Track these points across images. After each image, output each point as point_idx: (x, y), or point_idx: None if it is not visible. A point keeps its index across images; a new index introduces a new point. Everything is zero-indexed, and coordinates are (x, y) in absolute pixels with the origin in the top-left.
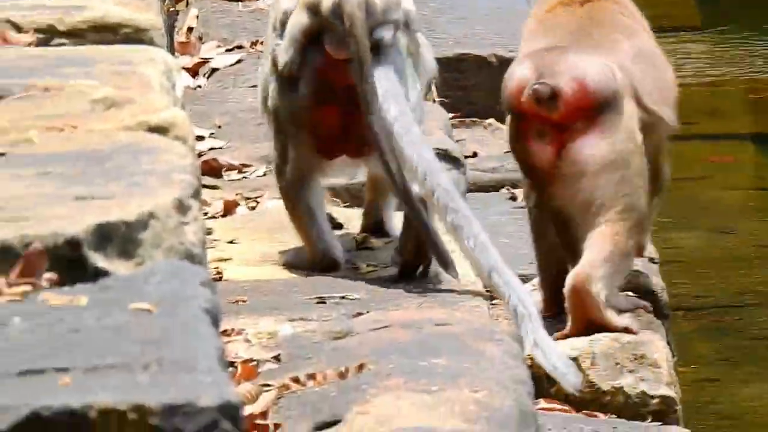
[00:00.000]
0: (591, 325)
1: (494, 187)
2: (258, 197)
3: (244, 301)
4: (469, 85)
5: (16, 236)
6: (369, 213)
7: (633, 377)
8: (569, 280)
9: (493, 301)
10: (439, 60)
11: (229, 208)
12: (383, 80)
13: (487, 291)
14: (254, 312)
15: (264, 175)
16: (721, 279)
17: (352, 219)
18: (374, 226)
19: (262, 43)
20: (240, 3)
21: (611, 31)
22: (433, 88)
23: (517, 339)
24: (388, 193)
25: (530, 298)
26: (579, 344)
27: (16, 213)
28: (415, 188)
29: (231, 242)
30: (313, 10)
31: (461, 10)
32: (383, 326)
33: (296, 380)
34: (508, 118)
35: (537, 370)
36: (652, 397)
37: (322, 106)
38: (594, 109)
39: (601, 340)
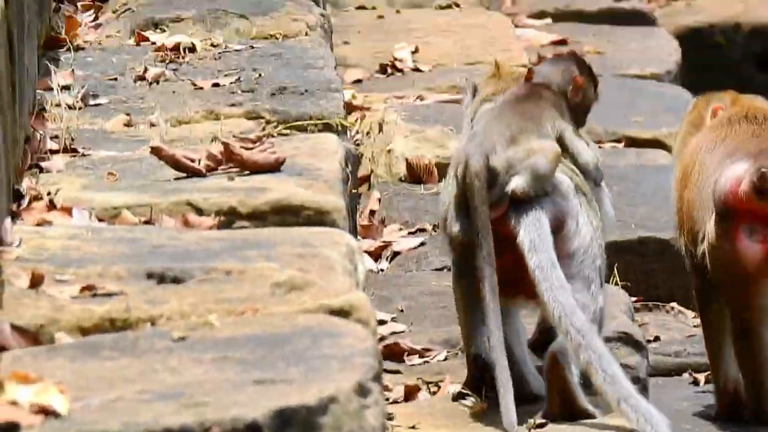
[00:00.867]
0: None
1: (676, 371)
2: (440, 382)
3: None
4: (651, 269)
5: (195, 421)
6: (542, 331)
7: None
8: None
9: None
10: (620, 244)
11: (410, 393)
12: (527, 230)
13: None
14: None
15: (445, 359)
16: None
17: None
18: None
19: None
20: (422, 186)
21: None
22: (615, 271)
23: None
24: None
25: (662, 421)
26: None
27: (195, 398)
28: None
29: (412, 428)
30: (457, 179)
31: (643, 193)
32: None
33: None
34: (712, 222)
35: None
36: None
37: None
38: None
39: None
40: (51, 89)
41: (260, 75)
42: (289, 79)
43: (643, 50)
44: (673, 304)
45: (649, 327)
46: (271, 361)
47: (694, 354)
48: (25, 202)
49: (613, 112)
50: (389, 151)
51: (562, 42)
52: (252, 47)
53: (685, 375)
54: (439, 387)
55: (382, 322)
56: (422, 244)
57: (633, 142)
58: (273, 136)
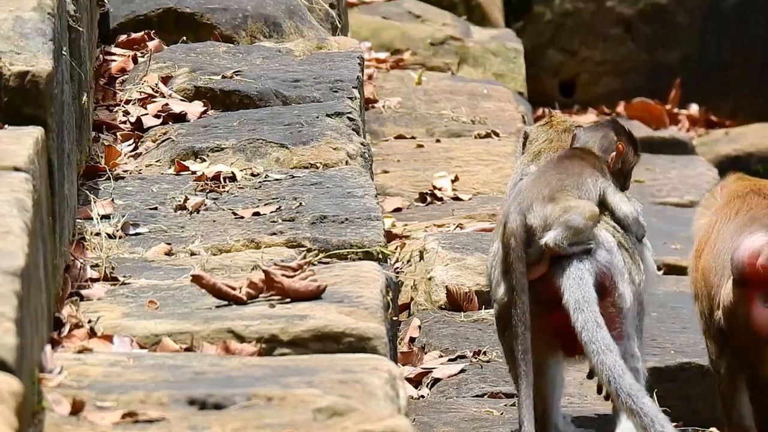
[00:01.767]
0: None
1: None
2: None
3: None
4: (691, 395)
5: None
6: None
7: None
8: None
9: None
10: (660, 370)
11: None
12: (570, 289)
13: None
14: None
15: None
16: None
17: None
18: None
19: (485, 353)
20: (462, 313)
21: None
22: (655, 396)
23: None
24: None
25: None
26: None
27: None
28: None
29: None
30: (501, 241)
31: (682, 319)
32: None
33: None
34: (728, 288)
35: None
36: None
37: (539, 317)
38: None
39: None
40: (91, 218)
41: (300, 204)
42: (330, 208)
43: (681, 178)
44: (713, 429)
45: None
46: None
47: None
48: (65, 330)
49: (653, 240)
50: (429, 278)
51: None
52: (292, 176)
53: None
54: None
55: None
56: (462, 370)
57: (672, 269)
58: (314, 264)
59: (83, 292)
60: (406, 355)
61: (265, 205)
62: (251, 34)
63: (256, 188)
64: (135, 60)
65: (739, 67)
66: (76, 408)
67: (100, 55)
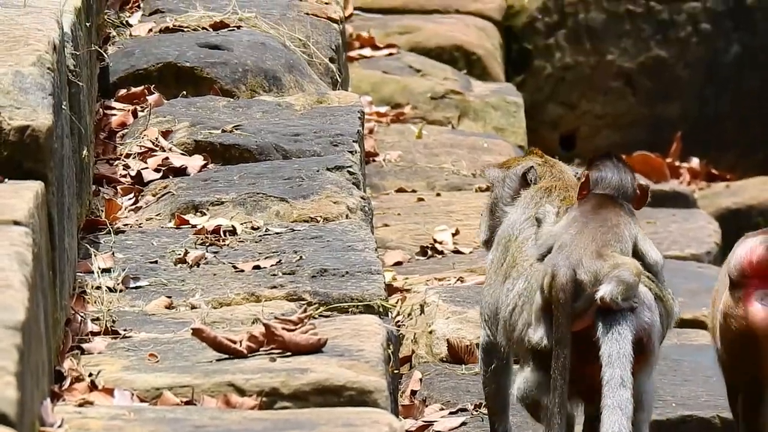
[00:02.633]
0: None
1: None
2: None
3: None
4: None
5: None
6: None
7: None
8: None
9: None
10: (661, 423)
11: None
12: (608, 343)
13: None
14: None
15: None
16: None
17: None
18: None
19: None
20: (463, 366)
21: None
22: None
23: None
24: None
25: None
26: None
27: None
28: None
29: None
30: (542, 290)
31: (683, 372)
32: None
33: None
34: (726, 298)
35: None
36: None
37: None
38: None
39: None
40: (91, 272)
41: (301, 257)
42: (330, 262)
43: (683, 231)
44: None
45: None
46: None
47: None
48: (66, 383)
49: None
50: (430, 332)
51: None
52: (292, 230)
53: None
54: None
55: None
56: (464, 423)
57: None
58: (314, 318)
59: (84, 345)
60: (407, 408)
61: (266, 258)
62: (251, 89)
63: (256, 242)
64: (135, 114)
65: (739, 121)
66: None
67: (100, 110)
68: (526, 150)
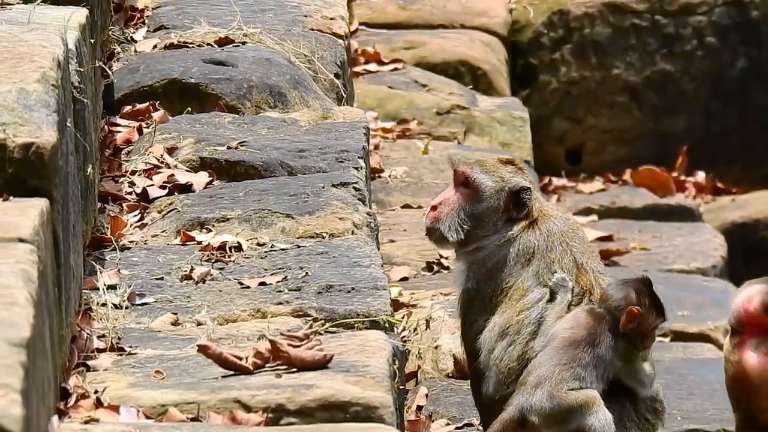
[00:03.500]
0: None
1: None
2: None
3: None
4: None
5: None
6: None
7: None
8: None
9: None
10: None
11: None
12: None
13: None
14: None
15: None
16: None
17: None
18: None
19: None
20: (469, 381)
21: None
22: None
23: None
24: None
25: None
26: None
27: None
28: None
29: None
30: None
31: (689, 386)
32: None
33: None
34: (726, 339)
35: None
36: None
37: None
38: None
39: None
40: (97, 289)
41: (307, 273)
42: (336, 278)
43: (688, 245)
44: None
45: None
46: None
47: None
48: (72, 400)
49: None
50: (436, 347)
51: (608, 238)
52: (298, 246)
53: None
54: None
55: None
56: None
57: (679, 336)
58: (320, 334)
59: (90, 362)
60: (413, 424)
61: (272, 274)
62: (256, 105)
63: (262, 258)
64: (140, 131)
65: (745, 134)
66: None
67: (105, 126)
68: (501, 159)
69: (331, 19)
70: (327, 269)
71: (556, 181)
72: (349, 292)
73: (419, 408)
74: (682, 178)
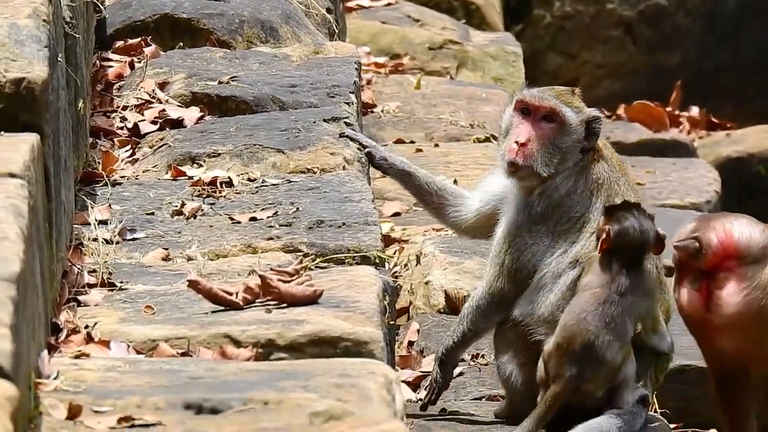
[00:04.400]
0: None
1: None
2: None
3: None
4: (691, 396)
5: None
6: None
7: None
8: None
9: None
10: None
11: None
12: None
13: None
14: None
15: None
16: None
17: None
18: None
19: (483, 356)
20: None
21: None
22: (655, 399)
23: None
24: None
25: None
26: None
27: None
28: None
29: None
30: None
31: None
32: None
33: None
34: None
35: None
36: None
37: None
38: (738, 259)
39: None
40: (88, 224)
41: (297, 209)
42: (327, 213)
43: (682, 180)
44: (713, 430)
45: None
46: None
47: None
48: (62, 335)
49: None
50: (427, 282)
51: None
52: (289, 181)
53: None
54: None
55: None
56: (461, 374)
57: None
58: (310, 269)
59: (81, 297)
60: (404, 359)
61: (262, 210)
62: (248, 40)
63: (253, 193)
64: (132, 66)
65: (739, 69)
66: (73, 413)
67: (97, 62)
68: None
69: None
70: (318, 204)
71: None
72: (340, 227)
73: (410, 343)
74: (677, 113)
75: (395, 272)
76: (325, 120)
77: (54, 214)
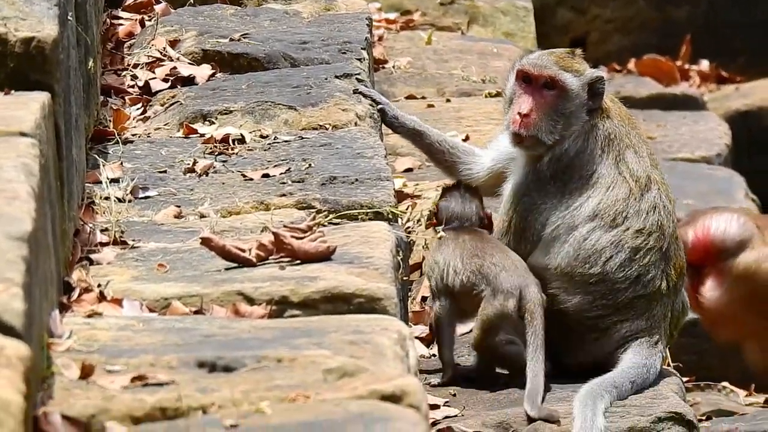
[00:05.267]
0: None
1: None
2: None
3: None
4: (702, 350)
5: None
6: None
7: None
8: None
9: None
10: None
11: None
12: None
13: None
14: None
15: None
16: None
17: None
18: None
19: None
20: None
21: None
22: (668, 352)
23: None
24: None
25: None
26: None
27: None
28: None
29: None
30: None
31: None
32: None
33: None
34: None
35: None
36: None
37: None
38: (716, 255)
39: None
40: (100, 182)
41: (310, 165)
42: (339, 169)
43: (693, 134)
44: (725, 383)
45: (701, 406)
46: None
47: None
48: (75, 294)
49: None
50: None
51: None
52: (301, 138)
53: None
54: None
55: (434, 407)
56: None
57: None
58: (324, 226)
59: (93, 256)
60: (417, 315)
61: (275, 166)
62: None
63: (265, 150)
64: (142, 24)
65: (749, 23)
66: (86, 372)
67: (107, 20)
68: (564, 51)
69: None
70: (330, 161)
71: None
72: (353, 183)
73: (423, 299)
74: (686, 66)
75: (408, 228)
76: (336, 76)
77: (65, 173)
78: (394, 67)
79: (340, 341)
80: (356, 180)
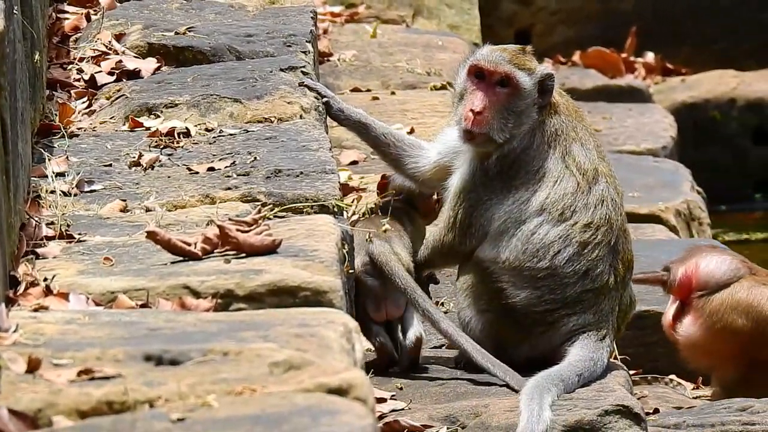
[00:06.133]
0: None
1: None
2: None
3: None
4: (650, 342)
5: None
6: None
7: None
8: None
9: None
10: None
11: None
12: None
13: None
14: None
15: None
16: None
17: None
18: None
19: (443, 303)
20: None
21: None
22: (615, 345)
23: None
24: None
25: None
26: None
27: None
28: None
29: None
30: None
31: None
32: None
33: None
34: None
35: None
36: None
37: None
38: (699, 292)
39: None
40: (46, 176)
41: (255, 158)
42: (284, 162)
43: (638, 126)
44: (672, 376)
45: (648, 399)
46: None
47: (694, 426)
48: (21, 288)
49: None
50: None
51: None
52: (246, 131)
53: None
54: None
55: (381, 400)
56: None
57: (630, 218)
58: (269, 219)
59: (39, 250)
60: None
61: (220, 160)
62: None
63: (210, 143)
64: (88, 18)
65: (694, 15)
66: (32, 366)
67: (53, 14)
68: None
69: None
70: (275, 154)
71: None
72: (298, 176)
73: None
74: (632, 58)
75: (353, 221)
76: (281, 69)
77: (11, 167)
78: (339, 60)
79: (286, 334)
80: (301, 173)
